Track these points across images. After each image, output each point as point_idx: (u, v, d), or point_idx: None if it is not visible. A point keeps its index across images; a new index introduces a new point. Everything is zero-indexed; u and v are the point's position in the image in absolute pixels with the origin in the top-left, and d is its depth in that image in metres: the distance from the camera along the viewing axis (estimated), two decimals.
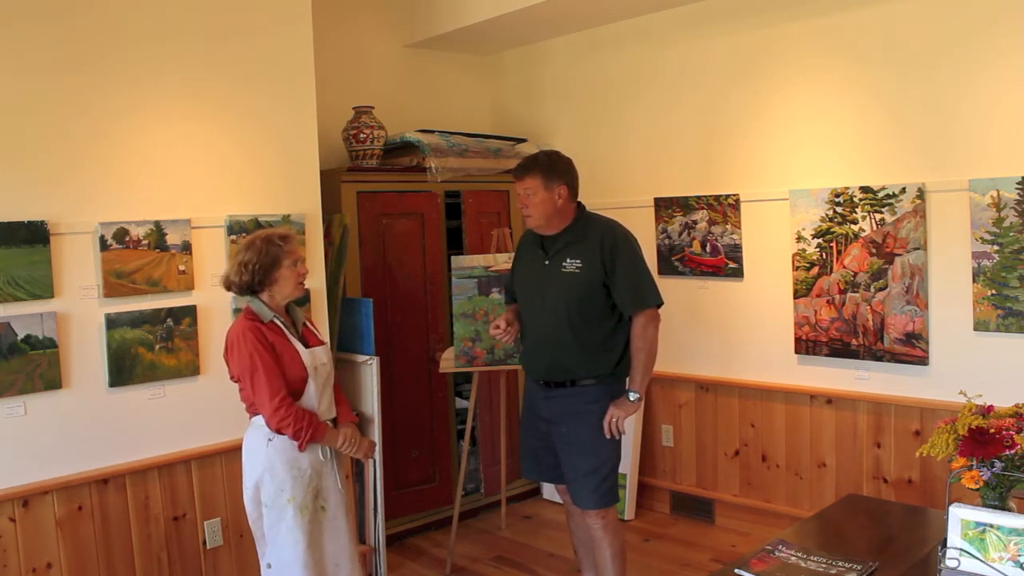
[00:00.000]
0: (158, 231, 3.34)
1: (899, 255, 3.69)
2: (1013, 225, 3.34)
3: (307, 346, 2.88)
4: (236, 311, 3.43)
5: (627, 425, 3.19)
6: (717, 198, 4.32)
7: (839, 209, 3.86)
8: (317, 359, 2.89)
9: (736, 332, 4.35)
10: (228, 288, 2.88)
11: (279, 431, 2.76)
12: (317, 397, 2.86)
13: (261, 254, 2.79)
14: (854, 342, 3.86)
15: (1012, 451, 2.08)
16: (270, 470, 2.81)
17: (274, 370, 2.74)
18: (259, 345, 2.74)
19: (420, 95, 5.07)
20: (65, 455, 3.15)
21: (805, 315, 4.02)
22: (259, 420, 2.82)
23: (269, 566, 2.88)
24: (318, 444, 2.86)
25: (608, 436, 3.08)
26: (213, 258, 3.49)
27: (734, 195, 4.26)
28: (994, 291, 3.42)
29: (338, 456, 2.98)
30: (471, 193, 4.73)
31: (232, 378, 2.87)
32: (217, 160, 3.53)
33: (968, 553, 2.03)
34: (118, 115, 3.26)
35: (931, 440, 2.22)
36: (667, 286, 4.00)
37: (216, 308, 3.48)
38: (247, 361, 2.74)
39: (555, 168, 3.09)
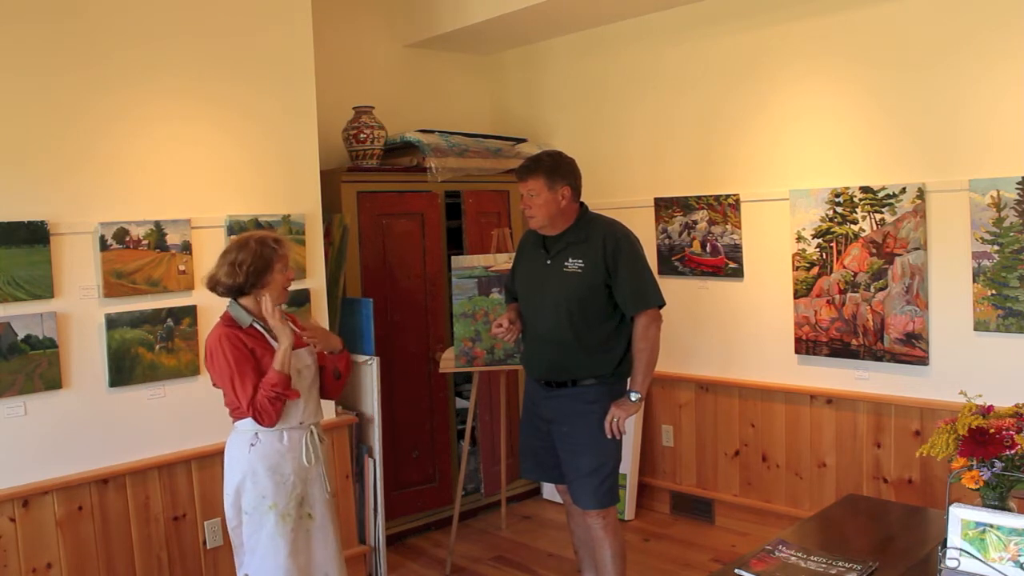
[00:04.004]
0: (158, 231, 3.34)
1: (899, 255, 3.69)
2: (1013, 225, 3.34)
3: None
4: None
5: (627, 425, 3.19)
6: (717, 198, 4.32)
7: (839, 209, 3.86)
8: (301, 361, 2.83)
9: (736, 332, 4.35)
10: (213, 288, 2.79)
11: (274, 422, 2.71)
12: (303, 400, 2.82)
13: (255, 256, 2.73)
14: (854, 342, 3.86)
15: (1012, 451, 2.08)
16: (252, 476, 2.75)
17: (249, 376, 2.69)
18: (235, 351, 2.69)
19: (420, 95, 5.07)
20: (65, 455, 3.15)
21: (805, 315, 4.02)
22: (242, 425, 2.78)
23: None
24: (298, 423, 2.80)
25: (609, 436, 3.08)
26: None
27: (734, 195, 4.26)
28: (994, 291, 3.42)
29: (328, 460, 2.95)
30: (471, 193, 4.73)
31: (214, 385, 2.82)
32: (217, 160, 3.53)
33: (968, 553, 2.03)
34: (118, 115, 3.26)
35: (931, 440, 2.22)
36: (667, 286, 3.99)
37: (216, 308, 3.45)
38: (225, 368, 2.70)
39: (558, 169, 3.09)
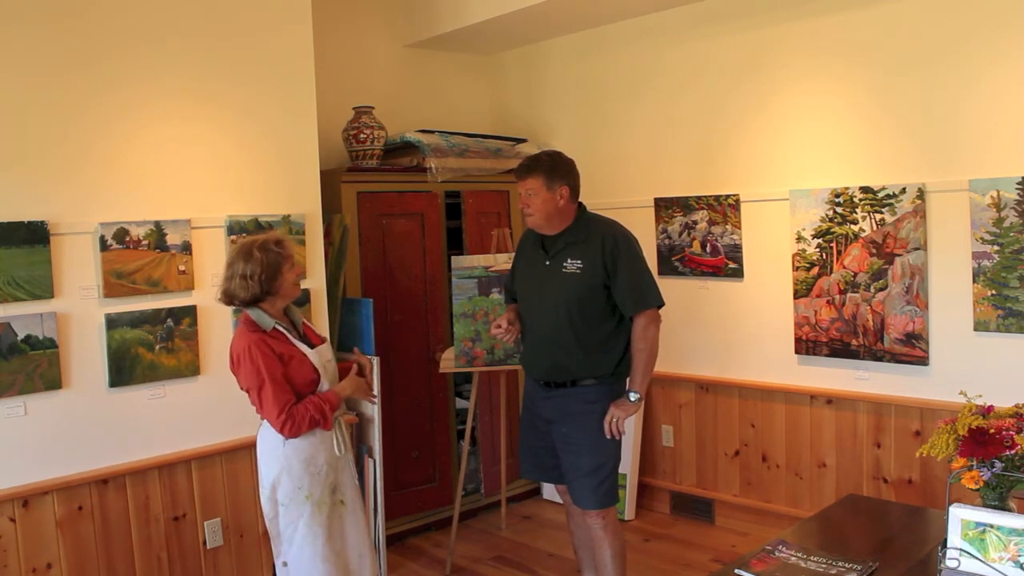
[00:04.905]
0: (158, 231, 3.34)
1: (899, 255, 3.69)
2: (1013, 225, 3.34)
3: (312, 346, 2.88)
4: (236, 311, 3.43)
5: (627, 425, 3.19)
6: (717, 198, 4.32)
7: (839, 209, 3.86)
8: (323, 357, 2.90)
9: (736, 332, 4.35)
10: (230, 303, 2.82)
11: (297, 436, 2.77)
12: None
13: (263, 264, 2.75)
14: (854, 342, 3.86)
15: (1012, 451, 2.08)
16: (288, 469, 2.81)
17: (281, 383, 2.72)
18: (265, 359, 2.72)
19: (420, 95, 5.07)
20: (65, 455, 3.15)
21: (805, 315, 4.02)
22: None
23: (285, 564, 2.88)
24: (332, 431, 2.87)
25: (608, 436, 3.08)
26: (213, 258, 3.49)
27: (734, 195, 4.26)
28: (994, 291, 3.42)
29: (352, 447, 3.01)
30: (471, 193, 4.73)
31: (242, 388, 2.85)
32: (217, 160, 3.53)
33: (968, 553, 2.03)
34: (118, 115, 3.26)
35: (931, 440, 2.22)
36: (667, 286, 4.00)
37: (216, 308, 3.47)
38: (254, 376, 2.72)
39: (557, 169, 3.09)
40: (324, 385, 2.85)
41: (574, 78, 4.97)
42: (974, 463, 2.12)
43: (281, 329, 2.81)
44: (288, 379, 2.75)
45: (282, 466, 2.82)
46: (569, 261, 3.09)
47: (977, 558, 2.02)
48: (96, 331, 3.22)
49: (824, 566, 2.25)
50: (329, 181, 4.15)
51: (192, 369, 3.43)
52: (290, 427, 2.73)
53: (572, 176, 3.13)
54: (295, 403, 2.74)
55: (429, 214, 4.55)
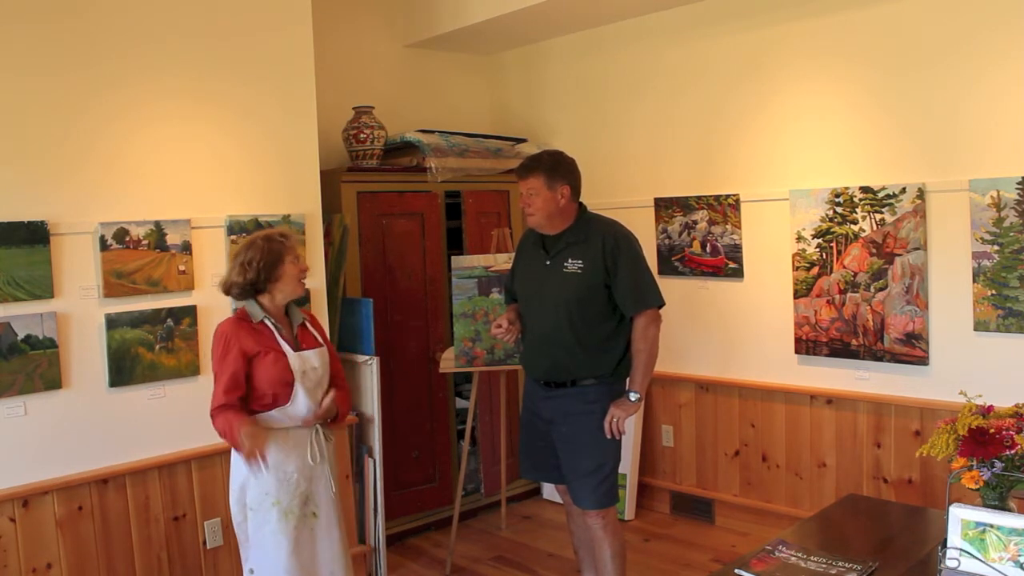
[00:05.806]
0: (158, 231, 3.34)
1: (899, 255, 3.69)
2: (1013, 225, 3.35)
3: (300, 349, 2.84)
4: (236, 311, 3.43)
5: (627, 425, 3.19)
6: (717, 198, 4.32)
7: (839, 209, 3.86)
8: (307, 363, 2.82)
9: (736, 332, 4.35)
10: (228, 291, 2.82)
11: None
12: (308, 400, 2.81)
13: (264, 252, 2.76)
14: (854, 342, 3.86)
15: (1012, 451, 2.08)
16: (256, 473, 2.76)
17: (229, 383, 2.71)
18: (232, 346, 2.72)
19: (420, 95, 5.07)
20: (65, 455, 3.15)
21: (805, 315, 4.02)
22: None
23: (252, 571, 2.83)
24: (303, 422, 2.83)
25: (608, 436, 3.08)
26: (213, 258, 3.49)
27: (734, 195, 4.26)
28: (994, 291, 3.42)
29: (333, 459, 2.96)
30: (471, 193, 4.73)
31: None
32: (217, 160, 3.53)
33: (968, 553, 2.03)
34: (118, 115, 3.26)
35: (931, 440, 2.23)
36: (667, 286, 4.00)
37: (216, 308, 3.47)
38: (216, 364, 2.74)
39: (558, 168, 3.09)
40: (299, 390, 2.78)
41: (574, 78, 4.97)
42: (974, 463, 2.12)
43: (268, 324, 2.80)
44: (252, 376, 2.73)
45: (251, 469, 2.77)
46: (570, 261, 3.08)
47: (977, 558, 2.02)
48: (96, 331, 3.22)
49: (824, 566, 2.25)
50: (329, 181, 4.15)
51: (192, 369, 3.43)
52: (215, 422, 2.74)
53: (573, 175, 3.13)
54: (227, 406, 2.71)
55: (429, 214, 4.55)
